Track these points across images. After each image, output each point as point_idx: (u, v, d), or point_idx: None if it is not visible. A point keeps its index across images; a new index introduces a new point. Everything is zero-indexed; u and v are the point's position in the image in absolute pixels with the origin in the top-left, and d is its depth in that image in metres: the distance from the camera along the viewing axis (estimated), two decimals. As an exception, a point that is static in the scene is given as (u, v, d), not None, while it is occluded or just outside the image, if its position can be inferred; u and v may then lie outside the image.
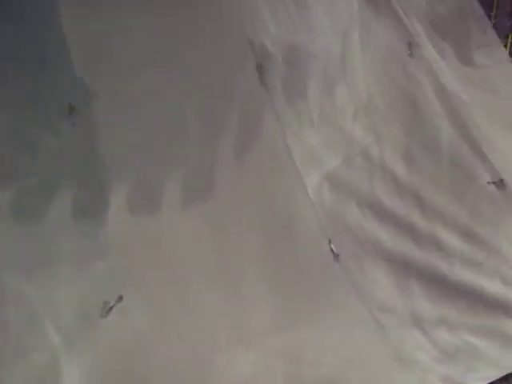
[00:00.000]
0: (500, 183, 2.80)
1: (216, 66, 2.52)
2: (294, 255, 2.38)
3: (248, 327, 2.23)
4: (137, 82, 2.41)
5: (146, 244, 2.30)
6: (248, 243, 2.36)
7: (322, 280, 2.36)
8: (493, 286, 2.63)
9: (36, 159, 2.27)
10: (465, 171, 2.82)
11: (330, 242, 2.42)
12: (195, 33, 2.52)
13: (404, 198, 2.69)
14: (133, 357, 2.16)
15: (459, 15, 3.39)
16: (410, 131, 2.83)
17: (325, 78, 2.77)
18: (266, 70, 2.59)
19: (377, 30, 3.01)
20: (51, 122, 2.32)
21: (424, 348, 2.43)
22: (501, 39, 3.78)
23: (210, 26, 2.54)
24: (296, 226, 2.43)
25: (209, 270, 2.29)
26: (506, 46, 4.05)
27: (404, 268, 2.58)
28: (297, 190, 2.48)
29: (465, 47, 3.35)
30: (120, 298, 2.21)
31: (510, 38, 4.13)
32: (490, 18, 3.84)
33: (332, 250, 2.41)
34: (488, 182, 2.80)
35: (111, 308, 2.19)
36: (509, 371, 2.44)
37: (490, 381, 2.40)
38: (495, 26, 3.87)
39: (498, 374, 2.42)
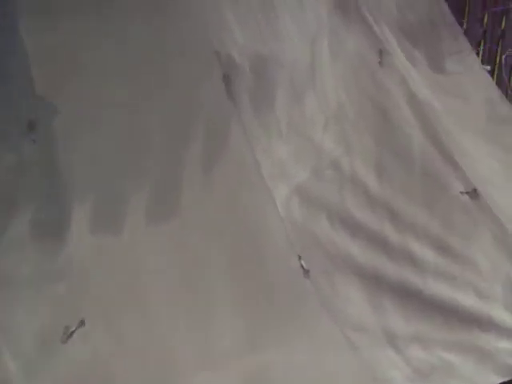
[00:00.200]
0: (473, 193, 2.75)
1: (181, 77, 2.46)
2: (262, 273, 2.31)
3: (213, 350, 2.15)
4: (98, 96, 2.35)
5: (108, 264, 2.23)
6: (214, 261, 2.29)
7: (292, 298, 2.29)
8: (467, 300, 2.57)
9: (-6, 177, 2.18)
10: (437, 181, 2.77)
11: (299, 258, 2.35)
12: (159, 44, 2.46)
13: (375, 210, 2.64)
14: (95, 383, 2.08)
15: (430, 22, 3.36)
16: (380, 141, 2.78)
17: (293, 88, 2.72)
18: (233, 81, 2.53)
19: (346, 37, 2.97)
20: (10, 139, 2.26)
21: (398, 367, 2.37)
22: (473, 46, 3.76)
23: (174, 37, 2.48)
24: (264, 241, 2.36)
25: (173, 291, 2.22)
26: (478, 53, 4.03)
27: (376, 283, 2.52)
28: (265, 205, 2.42)
29: (436, 54, 3.32)
30: (81, 323, 2.13)
31: (482, 44, 4.11)
32: (461, 24, 3.82)
33: (302, 266, 2.34)
34: (461, 192, 2.75)
35: (72, 333, 2.11)
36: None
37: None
38: (467, 33, 3.85)
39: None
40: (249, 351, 2.18)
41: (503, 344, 2.51)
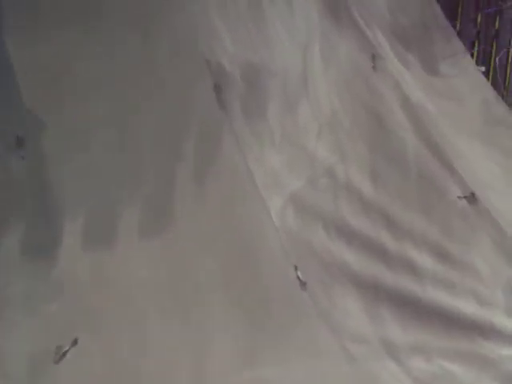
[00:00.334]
0: (471, 197, 2.71)
1: (171, 88, 2.43)
2: (258, 286, 2.27)
3: (209, 366, 2.11)
4: (87, 110, 2.32)
5: (101, 281, 2.19)
6: (209, 275, 2.25)
7: (289, 311, 2.25)
8: (468, 307, 2.53)
9: (-17, 196, 2.14)
10: (433, 185, 2.74)
11: (296, 268, 2.31)
12: (148, 54, 2.43)
13: (371, 217, 2.60)
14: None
15: (423, 25, 3.34)
16: (375, 146, 2.75)
17: (286, 96, 2.69)
18: (224, 90, 2.49)
19: (338, 42, 2.94)
20: (-1, 156, 2.20)
21: (398, 378, 2.32)
22: (467, 47, 3.73)
23: (163, 47, 2.45)
24: (259, 253, 2.32)
25: (167, 306, 2.18)
26: (473, 54, 4.00)
27: (374, 292, 2.48)
28: (260, 215, 2.38)
29: (430, 57, 3.30)
30: (75, 342, 2.08)
31: (476, 45, 4.08)
32: (454, 26, 3.79)
33: (298, 277, 2.30)
34: (458, 197, 2.72)
35: (65, 353, 2.06)
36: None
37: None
38: (460, 34, 3.83)
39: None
40: (246, 366, 2.13)
41: (507, 351, 2.46)
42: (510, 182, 2.96)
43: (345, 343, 2.27)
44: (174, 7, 2.49)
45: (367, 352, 2.34)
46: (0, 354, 2.03)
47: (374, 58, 2.94)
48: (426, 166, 2.76)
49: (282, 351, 2.16)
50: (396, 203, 2.65)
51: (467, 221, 2.68)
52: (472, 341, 2.46)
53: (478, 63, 3.87)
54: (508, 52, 4.11)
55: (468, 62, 3.37)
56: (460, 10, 4.03)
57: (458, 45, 3.39)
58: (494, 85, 3.80)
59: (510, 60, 4.15)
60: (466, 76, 3.28)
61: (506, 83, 4.13)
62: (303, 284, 2.29)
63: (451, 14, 3.87)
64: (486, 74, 3.95)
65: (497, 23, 4.12)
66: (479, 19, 4.11)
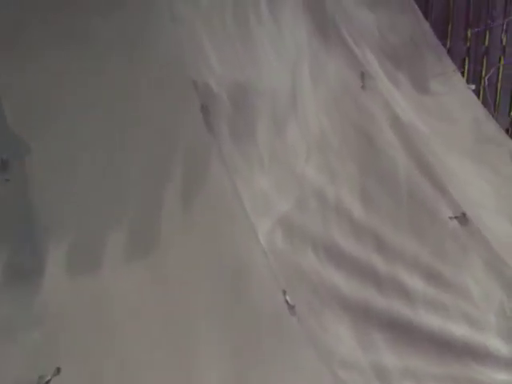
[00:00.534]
0: (462, 218, 2.68)
1: (158, 110, 2.39)
2: (246, 310, 2.22)
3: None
4: (74, 133, 2.28)
5: (86, 307, 2.13)
6: (196, 299, 2.20)
7: (278, 336, 2.20)
8: (460, 330, 2.49)
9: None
10: (424, 206, 2.71)
11: (284, 293, 2.26)
12: (135, 77, 2.39)
13: (362, 239, 2.56)
14: None
15: (413, 44, 3.34)
16: (365, 167, 2.72)
17: (274, 116, 2.66)
18: (211, 111, 2.46)
19: (327, 61, 2.93)
20: (-18, 179, 2.18)
21: (389, 404, 2.28)
22: (458, 64, 3.73)
23: (150, 68, 2.41)
24: (248, 277, 2.28)
25: (154, 334, 2.13)
26: (463, 72, 3.99)
27: (365, 316, 2.43)
28: (247, 239, 2.33)
29: (420, 76, 3.29)
30: (57, 371, 2.02)
31: (466, 63, 4.08)
32: (444, 44, 3.78)
33: (287, 301, 2.25)
34: (450, 217, 2.68)
35: (48, 382, 2.01)
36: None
37: None
38: (451, 51, 3.82)
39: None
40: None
41: (502, 376, 2.42)
42: (500, 199, 2.94)
43: (334, 368, 2.22)
44: (161, 28, 2.47)
45: (357, 377, 2.29)
46: (-20, 385, 1.98)
47: (364, 76, 2.92)
48: (417, 186, 2.74)
49: (270, 377, 2.12)
50: (387, 225, 2.61)
51: (459, 242, 2.65)
52: (465, 365, 2.42)
53: (468, 81, 3.86)
54: (498, 69, 4.11)
55: (458, 80, 3.36)
56: (450, 27, 4.03)
57: (448, 63, 3.38)
58: (485, 102, 3.80)
59: (500, 77, 4.16)
60: (456, 94, 3.28)
61: (497, 100, 4.12)
62: (292, 308, 2.24)
63: (441, 32, 3.87)
64: (477, 91, 3.94)
65: (486, 40, 4.12)
66: (469, 36, 4.11)
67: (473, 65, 4.11)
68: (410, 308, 2.48)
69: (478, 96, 3.94)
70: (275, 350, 2.17)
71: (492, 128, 3.30)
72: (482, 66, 4.14)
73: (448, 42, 3.98)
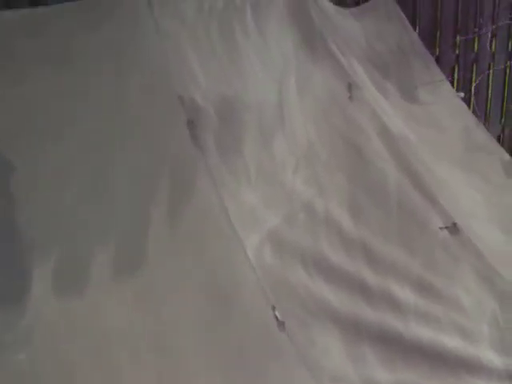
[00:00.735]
0: (453, 228, 2.66)
1: (145, 125, 2.37)
2: (235, 327, 2.19)
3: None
4: (60, 148, 2.25)
5: (72, 329, 2.10)
6: (184, 316, 2.17)
7: (267, 352, 2.17)
8: (452, 342, 2.45)
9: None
10: (414, 216, 2.68)
11: (273, 308, 2.23)
12: (122, 91, 2.37)
13: (352, 252, 2.53)
14: None
15: (400, 53, 3.33)
16: (354, 178, 2.69)
17: (261, 129, 2.63)
18: (198, 126, 2.44)
19: (314, 72, 2.91)
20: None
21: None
22: (446, 73, 3.71)
23: (136, 83, 2.39)
24: (236, 293, 2.25)
25: (142, 355, 2.09)
26: (453, 80, 3.97)
27: (355, 330, 2.40)
28: (236, 255, 2.31)
29: (408, 85, 3.28)
30: (44, 394, 1.99)
31: (456, 71, 4.06)
32: (433, 53, 3.77)
33: (276, 317, 2.22)
34: (440, 228, 2.66)
35: (34, 406, 1.98)
36: None
37: None
38: (439, 60, 3.81)
39: None
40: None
41: (495, 388, 2.39)
42: (491, 208, 2.91)
43: (324, 383, 2.19)
44: (147, 42, 2.45)
45: (348, 393, 2.26)
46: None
47: (351, 87, 2.90)
48: (407, 196, 2.71)
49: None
50: (376, 236, 2.58)
51: (449, 252, 2.62)
52: (458, 378, 2.39)
53: (458, 89, 3.85)
54: (488, 76, 4.10)
55: (447, 89, 3.35)
56: (438, 35, 4.01)
57: (437, 71, 3.37)
58: (475, 110, 3.78)
59: (490, 84, 4.14)
60: (445, 103, 3.26)
61: (488, 108, 4.11)
62: (281, 324, 2.21)
63: (430, 40, 3.86)
64: (467, 99, 3.93)
65: (475, 47, 4.11)
66: (458, 44, 4.10)
67: (462, 72, 4.09)
68: (400, 320, 2.44)
69: (469, 104, 3.93)
70: (264, 366, 2.14)
71: (482, 136, 3.29)
72: (471, 73, 4.12)
73: (437, 50, 3.96)
